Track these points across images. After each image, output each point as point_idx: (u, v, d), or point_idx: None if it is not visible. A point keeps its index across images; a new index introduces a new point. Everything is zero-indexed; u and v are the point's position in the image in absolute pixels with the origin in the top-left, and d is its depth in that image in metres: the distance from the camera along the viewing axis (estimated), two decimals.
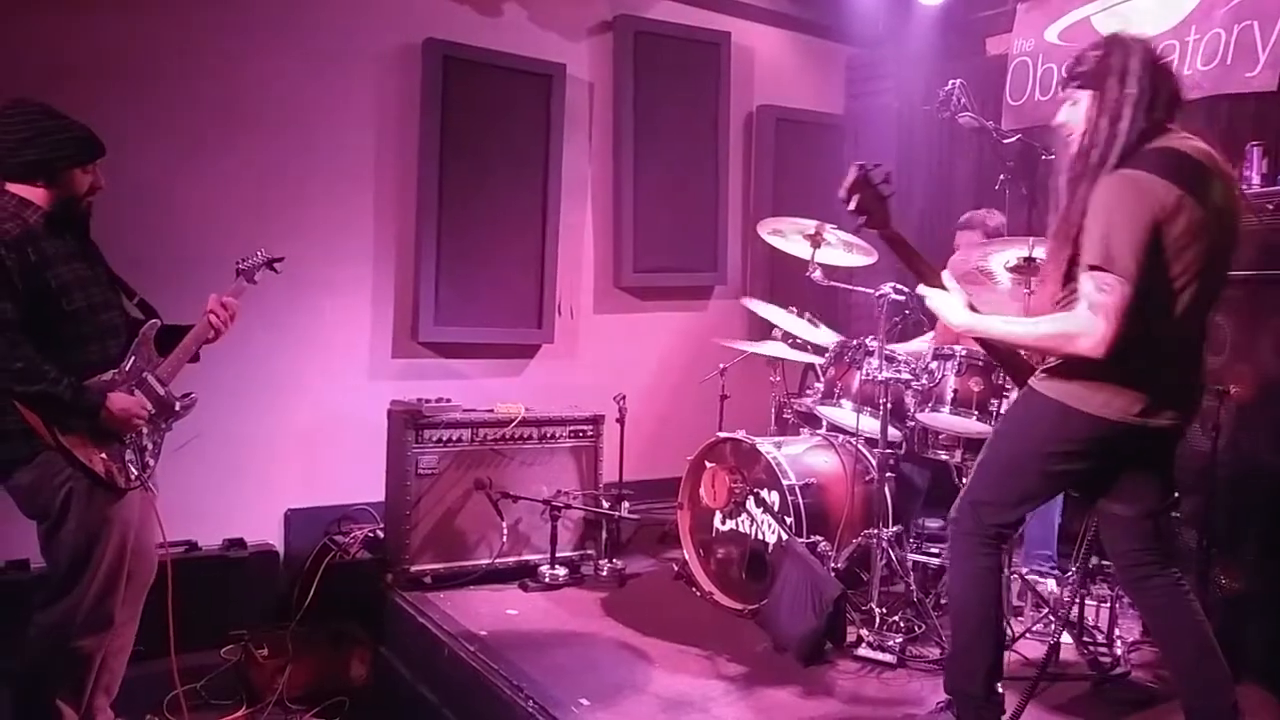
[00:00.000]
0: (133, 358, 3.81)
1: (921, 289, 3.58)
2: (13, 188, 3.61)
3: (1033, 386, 3.35)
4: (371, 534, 5.72)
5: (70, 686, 3.79)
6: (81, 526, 3.64)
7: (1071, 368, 3.20)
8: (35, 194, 3.60)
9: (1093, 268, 3.02)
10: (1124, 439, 3.20)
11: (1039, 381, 3.33)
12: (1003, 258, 4.37)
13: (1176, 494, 3.57)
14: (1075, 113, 3.28)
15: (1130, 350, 3.04)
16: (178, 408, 4.00)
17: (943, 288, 3.51)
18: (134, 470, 3.77)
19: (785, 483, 4.76)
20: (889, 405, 4.71)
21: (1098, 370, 3.11)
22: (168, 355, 3.96)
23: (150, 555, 4.06)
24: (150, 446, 3.89)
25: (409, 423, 5.22)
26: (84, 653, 3.76)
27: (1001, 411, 4.55)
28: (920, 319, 5.13)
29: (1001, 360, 3.73)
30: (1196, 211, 3.04)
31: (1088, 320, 3.01)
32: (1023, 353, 3.60)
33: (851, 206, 3.46)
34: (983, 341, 3.67)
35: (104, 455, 3.65)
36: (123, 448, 3.73)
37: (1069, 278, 3.20)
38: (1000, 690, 3.46)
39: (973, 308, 3.46)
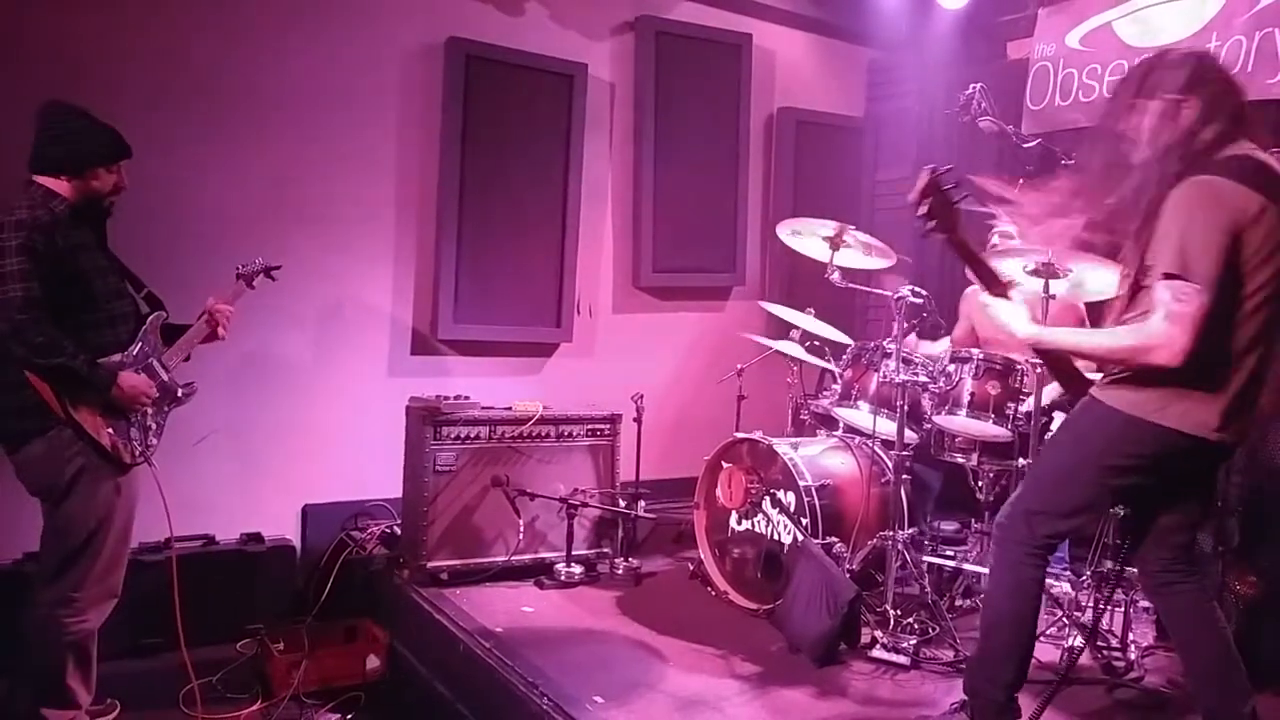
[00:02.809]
0: (140, 344, 4.07)
1: (984, 297, 3.49)
2: (41, 180, 3.85)
3: (1096, 396, 3.27)
4: (388, 530, 5.74)
5: (78, 665, 3.99)
6: (90, 500, 3.88)
7: (1143, 377, 3.11)
8: (61, 186, 3.86)
9: (1169, 276, 2.94)
10: (1192, 454, 3.13)
11: (1103, 391, 3.25)
12: (1021, 263, 4.36)
13: (1219, 503, 3.55)
14: (1143, 120, 3.19)
15: (1214, 361, 2.99)
16: (180, 394, 4.23)
17: (1007, 297, 3.43)
18: (138, 446, 4.01)
19: (801, 484, 4.77)
20: (906, 407, 4.72)
21: (1176, 380, 3.03)
22: (171, 345, 4.22)
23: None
24: (154, 427, 4.12)
25: (427, 420, 5.24)
26: (90, 627, 4.00)
27: (1018, 414, 4.56)
28: (938, 321, 5.13)
29: (1058, 371, 3.65)
30: (1276, 221, 2.98)
31: (1164, 331, 2.93)
32: (1079, 364, 3.55)
33: (921, 211, 3.35)
34: (1040, 352, 3.59)
35: (110, 430, 3.89)
36: (128, 425, 3.98)
37: (1135, 286, 3.15)
38: (1016, 696, 3.46)
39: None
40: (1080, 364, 3.59)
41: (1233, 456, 3.35)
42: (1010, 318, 3.39)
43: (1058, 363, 3.59)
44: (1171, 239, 2.96)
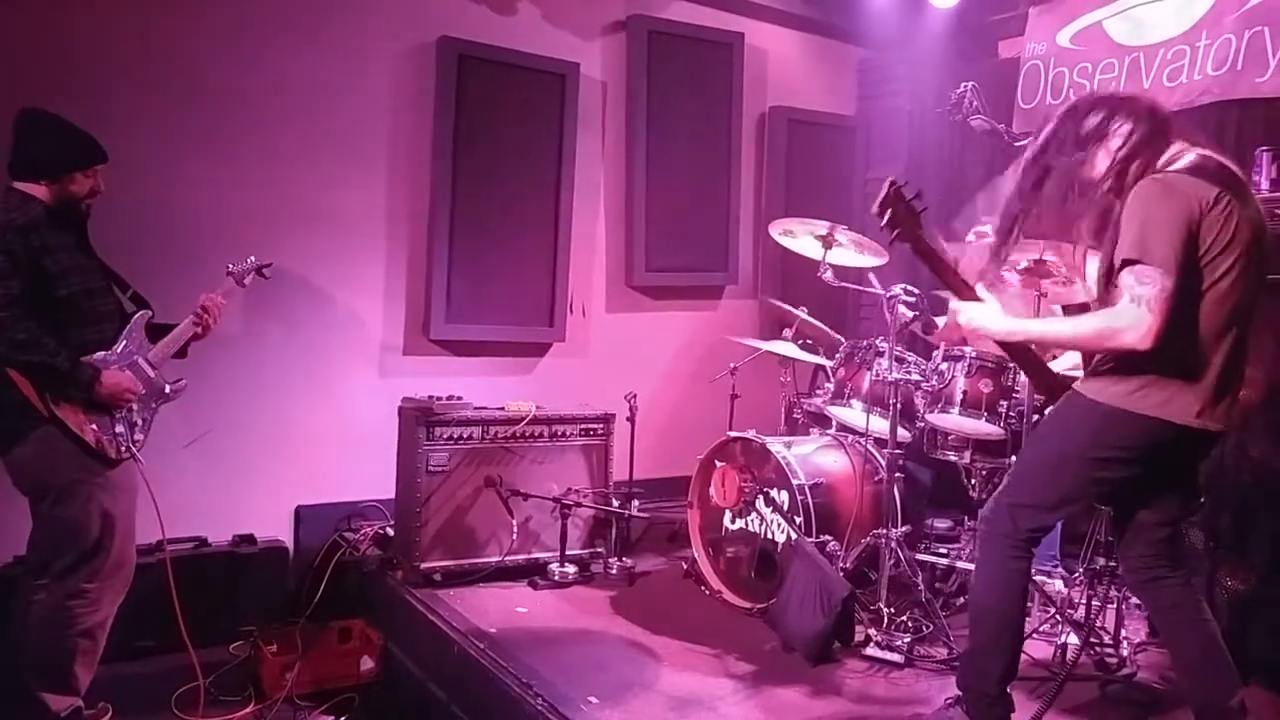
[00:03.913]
0: (125, 341, 4.11)
1: (954, 304, 3.54)
2: (19, 185, 3.92)
3: (1078, 390, 3.32)
4: (381, 531, 5.74)
5: (85, 655, 4.03)
6: (90, 500, 3.93)
7: (1123, 369, 3.17)
8: (39, 191, 3.92)
9: (1129, 262, 3.02)
10: (1175, 443, 3.17)
11: (1085, 385, 3.30)
12: (1012, 260, 4.37)
13: (1202, 499, 3.58)
14: (1097, 164, 3.27)
15: (1188, 349, 3.06)
16: (168, 390, 4.26)
17: (976, 299, 3.49)
18: (124, 442, 4.03)
19: (795, 482, 4.77)
20: (899, 406, 4.72)
21: (1154, 370, 3.10)
22: (158, 343, 4.24)
23: None
24: (140, 423, 4.14)
25: (420, 420, 5.24)
26: (102, 616, 4.05)
27: (1011, 412, 4.57)
28: (931, 320, 5.13)
29: (1031, 372, 3.69)
30: (1235, 210, 3.06)
31: (1132, 313, 2.99)
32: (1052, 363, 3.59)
33: (884, 222, 3.47)
34: (1010, 350, 3.63)
35: (94, 426, 3.93)
36: (112, 421, 4.00)
37: (1106, 290, 3.21)
38: (1009, 690, 3.47)
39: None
40: (1059, 364, 3.62)
41: (1216, 444, 3.36)
42: (982, 318, 3.45)
43: (1030, 363, 3.64)
44: (1131, 230, 3.06)
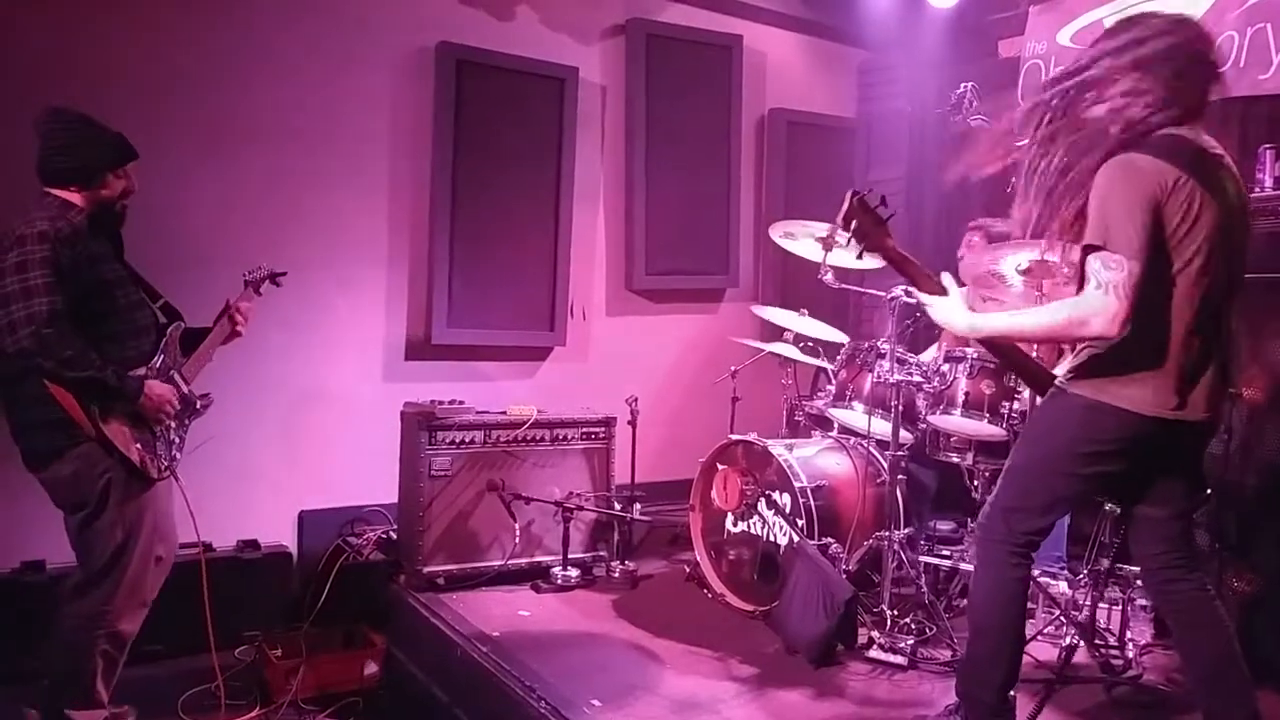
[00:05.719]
0: (162, 356, 4.05)
1: (922, 298, 3.52)
2: (53, 191, 3.83)
3: (1059, 387, 3.28)
4: (385, 535, 5.74)
5: (106, 670, 3.98)
6: (120, 515, 3.87)
7: (1100, 365, 3.14)
8: (74, 197, 3.83)
9: (1093, 248, 2.98)
10: (1158, 436, 3.12)
11: (1066, 382, 3.26)
12: (1014, 260, 4.36)
13: (1209, 491, 3.55)
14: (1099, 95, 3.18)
15: (1160, 339, 3.03)
16: (198, 405, 4.23)
17: (943, 293, 3.46)
18: (164, 460, 4.00)
19: (797, 485, 4.77)
20: (900, 407, 4.71)
21: (1128, 364, 3.07)
22: (190, 356, 4.20)
23: (172, 541, 4.24)
24: (177, 440, 4.11)
25: (422, 424, 5.24)
26: (123, 636, 4.00)
27: (1013, 413, 4.56)
28: (931, 322, 5.12)
29: (1013, 365, 3.66)
30: (1199, 194, 3.00)
31: (1098, 299, 2.95)
32: (1034, 354, 3.56)
33: (850, 234, 3.48)
34: (991, 347, 3.61)
35: (139, 445, 3.87)
36: (154, 440, 3.95)
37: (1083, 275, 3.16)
38: (1012, 695, 3.43)
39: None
40: (1040, 357, 3.60)
41: (1208, 435, 3.32)
42: (948, 312, 3.42)
43: (1014, 359, 3.61)
44: (1094, 215, 3.02)
